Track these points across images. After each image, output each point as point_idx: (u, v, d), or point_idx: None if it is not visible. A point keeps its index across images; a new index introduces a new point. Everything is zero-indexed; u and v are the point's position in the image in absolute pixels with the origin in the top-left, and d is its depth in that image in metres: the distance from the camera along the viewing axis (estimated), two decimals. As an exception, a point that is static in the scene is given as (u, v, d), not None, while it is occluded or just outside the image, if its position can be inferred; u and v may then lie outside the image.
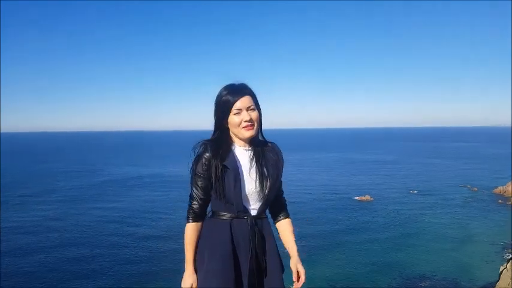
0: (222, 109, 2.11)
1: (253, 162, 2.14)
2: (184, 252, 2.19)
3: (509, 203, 68.87)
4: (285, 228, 2.37)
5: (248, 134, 2.12)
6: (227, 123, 2.11)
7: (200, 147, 2.09)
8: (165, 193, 63.81)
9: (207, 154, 2.03)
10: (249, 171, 2.12)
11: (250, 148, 2.18)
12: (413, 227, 55.32)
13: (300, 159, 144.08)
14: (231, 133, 2.16)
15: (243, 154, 2.15)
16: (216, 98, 2.14)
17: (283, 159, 2.25)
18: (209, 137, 2.25)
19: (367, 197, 76.38)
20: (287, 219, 2.41)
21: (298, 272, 2.24)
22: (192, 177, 2.10)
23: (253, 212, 2.14)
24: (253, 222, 2.12)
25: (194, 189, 2.10)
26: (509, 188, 74.98)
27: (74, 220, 45.10)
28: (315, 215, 60.77)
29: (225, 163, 2.02)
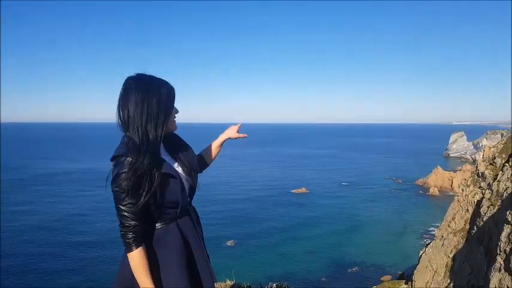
0: (168, 106, 1.90)
1: (176, 156, 2.04)
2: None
3: (429, 193, 75.88)
4: (205, 156, 2.48)
5: (176, 126, 2.06)
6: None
7: (126, 159, 1.73)
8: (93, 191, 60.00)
9: (138, 165, 1.72)
10: (177, 167, 2.01)
11: (167, 142, 2.04)
12: (345, 219, 58.68)
13: (236, 154, 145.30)
14: None
15: (164, 151, 2.00)
16: (152, 94, 1.82)
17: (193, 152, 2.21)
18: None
19: (303, 190, 79.27)
20: (200, 157, 2.46)
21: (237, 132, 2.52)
22: (120, 197, 1.72)
23: (187, 203, 2.08)
24: (194, 212, 2.14)
25: (127, 209, 1.73)
26: (429, 180, 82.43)
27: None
28: (254, 210, 61.70)
29: (163, 171, 1.82)
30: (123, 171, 1.70)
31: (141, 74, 1.88)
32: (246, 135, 2.60)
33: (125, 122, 1.83)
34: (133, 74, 1.88)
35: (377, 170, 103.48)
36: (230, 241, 46.58)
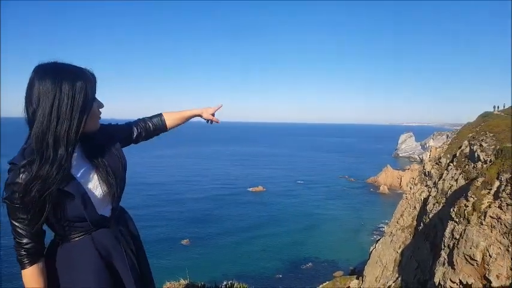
0: (86, 102, 1.54)
1: (90, 163, 1.69)
2: None
3: (379, 191, 79.45)
4: (167, 118, 2.23)
5: (98, 123, 1.71)
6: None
7: (20, 170, 1.45)
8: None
9: (29, 181, 1.43)
10: (90, 176, 1.68)
11: (82, 144, 1.66)
12: (299, 217, 59.85)
13: (196, 151, 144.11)
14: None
15: (76, 156, 1.63)
16: (64, 88, 1.47)
17: (117, 142, 1.85)
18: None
19: (260, 188, 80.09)
20: (159, 116, 2.21)
21: (213, 115, 2.35)
22: (11, 211, 1.48)
23: (109, 213, 1.76)
24: (118, 223, 1.83)
25: (19, 224, 1.50)
26: (379, 178, 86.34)
27: None
28: (211, 209, 61.22)
29: (63, 188, 1.51)
30: (14, 182, 1.43)
31: (52, 62, 1.51)
32: (219, 121, 2.39)
33: (30, 121, 1.49)
34: (43, 62, 1.51)
35: (331, 169, 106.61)
36: (185, 240, 45.90)
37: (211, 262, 40.09)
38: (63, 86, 1.46)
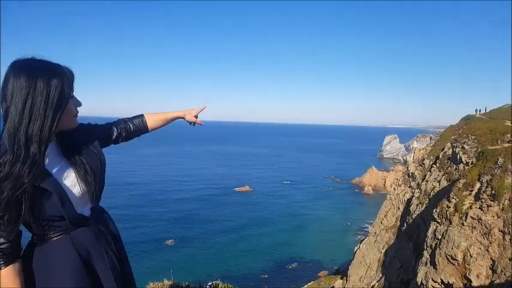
0: (61, 100, 1.49)
1: (68, 162, 1.66)
2: None
3: (364, 192, 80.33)
4: (148, 119, 2.21)
5: (76, 122, 1.68)
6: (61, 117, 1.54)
7: None
8: None
9: (1, 179, 1.40)
10: (68, 173, 1.65)
11: (59, 142, 1.65)
12: (285, 217, 60.07)
13: (183, 151, 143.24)
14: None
15: (52, 154, 1.60)
16: (38, 85, 1.43)
17: (96, 140, 1.83)
18: None
19: (246, 188, 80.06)
20: (140, 117, 2.20)
21: (196, 118, 2.36)
22: None
23: (88, 212, 1.74)
24: (97, 222, 1.80)
25: None
26: (364, 179, 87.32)
27: None
28: (197, 209, 60.86)
29: (38, 184, 1.47)
30: None
31: (29, 58, 1.47)
32: (202, 122, 2.39)
33: (4, 118, 1.45)
34: (19, 58, 1.47)
35: (317, 169, 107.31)
36: (170, 240, 45.52)
37: (196, 262, 39.88)
38: (38, 83, 1.42)
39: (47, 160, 1.55)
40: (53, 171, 1.58)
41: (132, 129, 2.13)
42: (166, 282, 5.14)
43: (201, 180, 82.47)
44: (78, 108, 1.67)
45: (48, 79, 1.45)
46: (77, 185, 1.65)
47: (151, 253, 40.40)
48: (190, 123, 2.36)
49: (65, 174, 1.63)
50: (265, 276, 38.36)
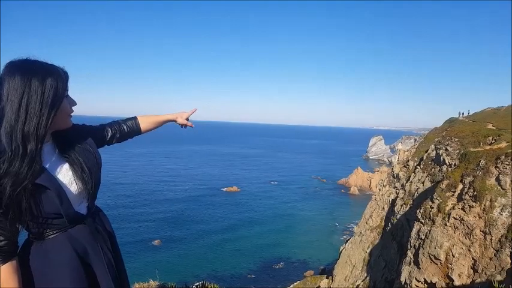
0: (55, 100, 1.53)
1: (64, 160, 1.70)
2: None
3: (350, 192, 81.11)
4: (142, 121, 2.28)
5: (71, 122, 1.72)
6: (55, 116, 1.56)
7: None
8: None
9: (1, 177, 1.43)
10: (65, 172, 1.69)
11: (55, 141, 1.70)
12: (272, 217, 60.23)
13: (171, 151, 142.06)
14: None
15: (48, 153, 1.64)
16: (33, 85, 1.47)
17: (91, 139, 1.88)
18: None
19: (234, 188, 79.95)
20: (134, 119, 2.26)
21: (187, 120, 2.41)
22: None
23: (85, 210, 1.78)
24: (94, 221, 1.83)
25: None
26: (350, 180, 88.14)
27: None
28: (184, 209, 60.48)
29: (37, 181, 1.51)
30: None
31: (23, 60, 1.51)
32: (193, 125, 2.46)
33: (1, 118, 1.49)
34: (15, 59, 1.51)
35: (304, 170, 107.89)
36: (156, 241, 45.13)
37: (183, 263, 39.65)
38: (33, 82, 1.46)
39: (45, 159, 1.58)
40: (51, 169, 1.61)
41: (125, 130, 2.19)
42: (152, 282, 5.12)
43: (188, 181, 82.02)
44: (75, 108, 1.70)
45: (42, 78, 1.48)
46: (74, 183, 1.68)
47: (137, 253, 40.00)
48: (181, 125, 2.43)
49: (62, 172, 1.66)
50: (252, 276, 38.39)
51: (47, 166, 1.59)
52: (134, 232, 46.73)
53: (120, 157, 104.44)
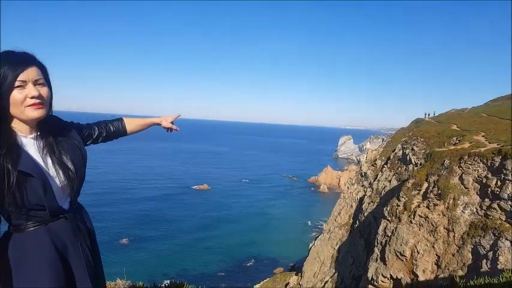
0: (5, 89, 1.55)
1: (48, 154, 1.71)
2: None
3: (319, 190, 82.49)
4: (127, 122, 2.32)
5: (36, 114, 1.64)
6: (7, 105, 1.57)
7: None
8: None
9: None
10: (50, 165, 1.69)
11: (39, 135, 1.71)
12: (242, 215, 60.31)
13: (141, 148, 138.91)
14: (11, 120, 1.62)
15: (32, 146, 1.67)
16: None
17: (78, 136, 1.93)
18: None
19: (204, 186, 79.33)
20: (120, 120, 2.30)
21: (172, 123, 2.47)
22: None
23: (67, 206, 1.77)
24: (75, 217, 1.81)
25: None
26: (320, 178, 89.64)
27: None
28: (153, 207, 59.48)
29: (21, 168, 1.53)
30: None
31: None
32: (178, 128, 2.52)
33: None
34: None
35: (276, 168, 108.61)
36: (124, 239, 44.11)
37: (152, 262, 38.98)
38: None
39: (30, 152, 1.63)
40: (37, 161, 1.65)
41: (111, 130, 2.24)
42: (119, 282, 4.96)
43: (158, 178, 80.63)
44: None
45: None
46: (58, 177, 1.70)
47: (103, 253, 37.96)
48: (167, 129, 2.50)
49: (47, 166, 1.68)
50: (222, 274, 38.27)
51: (32, 157, 1.63)
52: (101, 231, 45.38)
53: (89, 153, 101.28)
